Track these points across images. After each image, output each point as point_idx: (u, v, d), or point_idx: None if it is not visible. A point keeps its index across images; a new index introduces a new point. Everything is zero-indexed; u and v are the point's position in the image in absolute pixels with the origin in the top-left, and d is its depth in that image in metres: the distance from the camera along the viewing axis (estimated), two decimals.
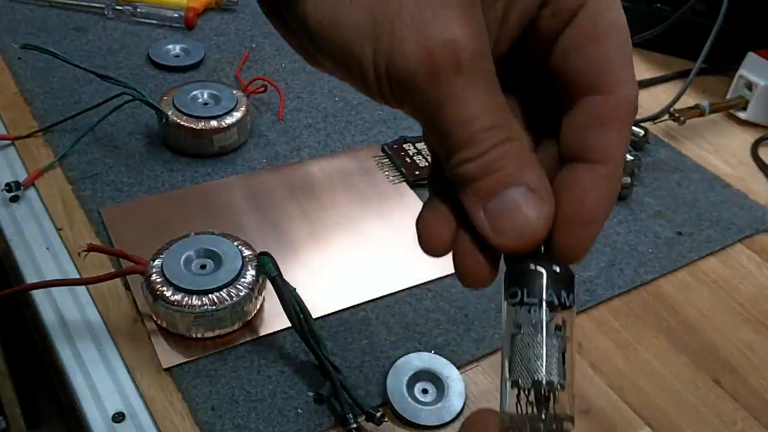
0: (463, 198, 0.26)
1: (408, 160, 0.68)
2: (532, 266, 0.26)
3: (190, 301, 0.50)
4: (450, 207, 0.27)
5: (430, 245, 0.27)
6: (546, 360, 0.25)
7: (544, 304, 0.25)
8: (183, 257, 0.52)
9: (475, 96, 0.24)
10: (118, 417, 0.47)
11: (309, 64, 0.30)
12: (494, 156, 0.24)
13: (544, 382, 0.25)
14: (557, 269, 0.26)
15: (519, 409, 0.25)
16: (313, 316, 0.51)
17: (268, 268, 0.51)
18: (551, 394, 0.25)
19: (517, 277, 0.26)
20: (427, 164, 0.68)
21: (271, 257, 0.52)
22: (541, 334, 0.25)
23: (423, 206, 0.28)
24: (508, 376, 0.26)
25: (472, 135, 0.25)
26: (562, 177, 0.26)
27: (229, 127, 0.66)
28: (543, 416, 0.25)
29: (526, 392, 0.25)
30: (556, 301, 0.25)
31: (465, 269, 0.27)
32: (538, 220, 0.25)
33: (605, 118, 0.26)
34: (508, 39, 0.26)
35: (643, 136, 0.73)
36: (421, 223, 0.28)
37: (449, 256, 0.28)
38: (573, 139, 0.26)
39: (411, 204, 0.65)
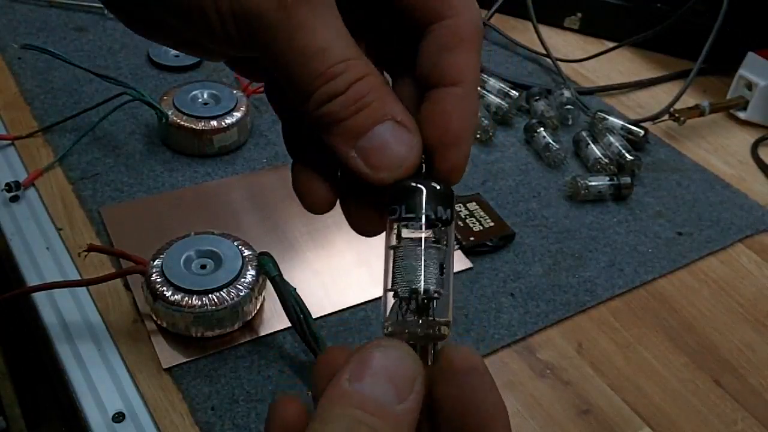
0: (331, 140, 0.25)
1: None
2: (412, 184, 0.27)
3: (190, 301, 0.49)
4: (317, 164, 0.28)
5: (315, 207, 0.29)
6: (424, 270, 0.26)
7: (423, 218, 0.27)
8: (183, 257, 0.52)
9: (324, 25, 0.23)
10: (118, 417, 0.47)
11: (132, 28, 0.29)
12: (358, 91, 0.24)
13: (421, 290, 0.26)
14: (436, 186, 0.27)
15: (399, 317, 0.26)
16: (313, 316, 0.51)
17: (268, 268, 0.51)
18: (429, 302, 0.26)
19: (398, 194, 0.27)
20: None
21: (271, 257, 0.52)
22: (419, 247, 0.26)
23: (293, 170, 0.29)
24: (389, 286, 0.27)
25: (329, 68, 0.24)
26: (425, 106, 0.27)
27: (229, 127, 0.66)
28: (421, 321, 0.26)
29: (406, 301, 0.26)
30: (434, 216, 0.27)
31: (353, 220, 0.29)
32: (411, 151, 0.26)
33: (453, 42, 0.26)
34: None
35: (643, 136, 0.73)
36: (299, 187, 0.29)
37: None
38: (427, 67, 0.27)
39: None
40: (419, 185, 0.27)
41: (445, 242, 0.27)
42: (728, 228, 0.66)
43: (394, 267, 0.27)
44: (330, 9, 0.24)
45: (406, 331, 0.26)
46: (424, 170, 0.27)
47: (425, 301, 0.26)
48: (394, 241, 0.27)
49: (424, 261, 0.26)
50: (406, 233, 0.27)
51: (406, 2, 0.26)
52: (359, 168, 0.25)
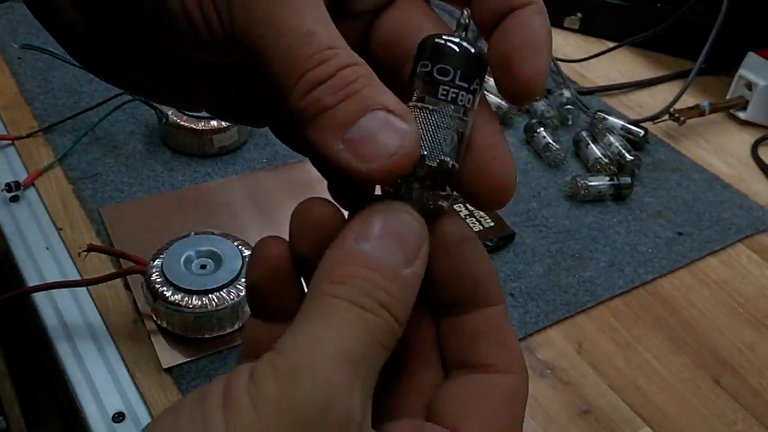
0: (316, 133, 0.22)
1: None
2: (449, 44, 0.24)
3: (190, 301, 0.49)
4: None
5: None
6: (443, 141, 0.24)
7: (458, 85, 0.24)
8: (183, 257, 0.52)
9: (312, 12, 0.22)
10: (118, 417, 0.47)
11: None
12: (346, 77, 0.22)
13: (448, 163, 0.24)
14: (474, 52, 0.24)
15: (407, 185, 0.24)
16: None
17: None
18: (447, 175, 0.25)
19: (433, 51, 0.24)
20: None
21: None
22: (451, 115, 0.24)
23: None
24: None
25: (318, 52, 0.21)
26: (498, 31, 0.25)
27: (229, 127, 0.66)
28: (431, 193, 0.25)
29: (421, 168, 0.24)
30: (467, 86, 0.24)
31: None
32: (406, 141, 0.22)
33: None
34: None
35: (643, 136, 0.73)
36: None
37: None
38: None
39: None
40: (456, 47, 0.24)
41: (469, 114, 0.24)
42: (728, 228, 0.66)
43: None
44: (331, 26, 0.22)
45: (414, 197, 0.24)
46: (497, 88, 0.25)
47: (445, 172, 0.24)
48: (418, 95, 0.23)
49: (446, 131, 0.23)
50: (431, 92, 0.23)
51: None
52: (348, 161, 0.22)
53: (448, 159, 0.24)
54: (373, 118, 0.22)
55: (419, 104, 0.23)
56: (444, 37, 0.24)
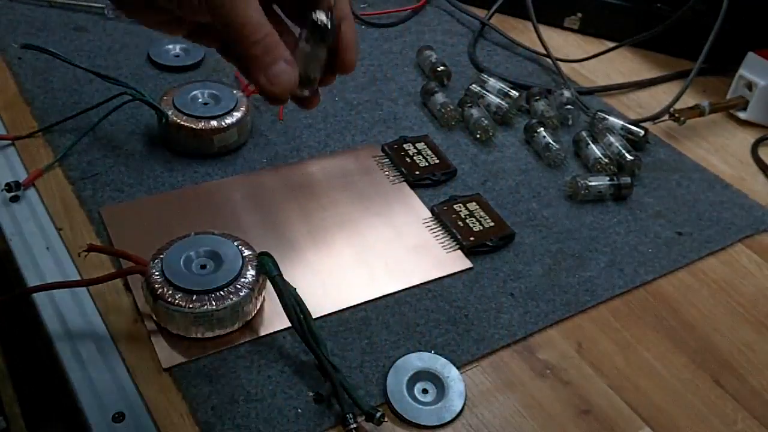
0: (253, 72, 0.42)
1: (408, 160, 0.68)
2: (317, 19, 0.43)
3: (190, 301, 0.50)
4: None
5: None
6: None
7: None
8: (183, 257, 0.52)
9: (251, 6, 0.40)
10: (118, 417, 0.47)
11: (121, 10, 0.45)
12: (269, 42, 0.41)
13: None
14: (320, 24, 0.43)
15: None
16: (313, 316, 0.51)
17: (268, 268, 0.51)
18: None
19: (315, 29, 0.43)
20: (427, 164, 0.68)
21: (271, 257, 0.52)
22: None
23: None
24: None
25: (254, 27, 0.41)
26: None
27: (229, 127, 0.66)
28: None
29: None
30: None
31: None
32: (293, 76, 0.42)
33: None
34: None
35: (643, 136, 0.73)
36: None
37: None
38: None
39: (411, 204, 0.65)
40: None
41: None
42: (728, 228, 0.66)
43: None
44: (254, 3, 0.40)
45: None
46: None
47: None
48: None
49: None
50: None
51: None
52: (265, 86, 0.42)
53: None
54: (281, 65, 0.41)
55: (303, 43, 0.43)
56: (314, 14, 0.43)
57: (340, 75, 0.46)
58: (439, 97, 0.75)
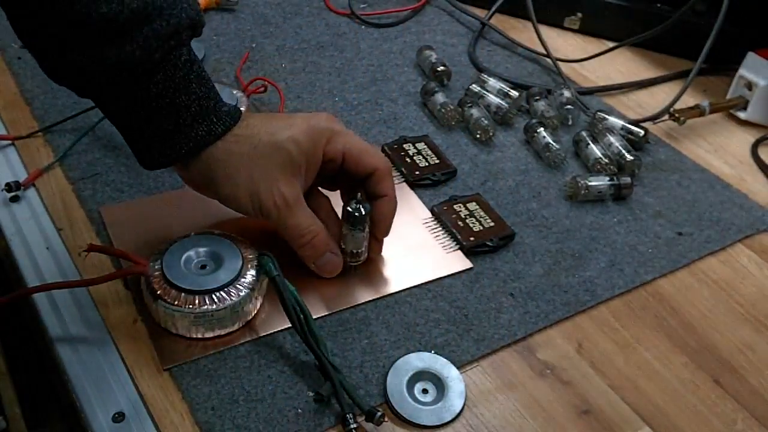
0: (305, 260, 0.55)
1: (408, 160, 0.68)
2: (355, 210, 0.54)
3: (190, 301, 0.50)
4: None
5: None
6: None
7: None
8: (183, 257, 0.52)
9: (299, 215, 0.53)
10: (118, 417, 0.47)
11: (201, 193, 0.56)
12: (315, 242, 0.54)
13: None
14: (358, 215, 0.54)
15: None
16: (313, 316, 0.51)
17: (268, 268, 0.51)
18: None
19: (350, 217, 0.54)
20: (427, 164, 0.68)
21: (271, 257, 0.52)
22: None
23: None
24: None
25: (302, 232, 0.53)
26: (376, 205, 0.56)
27: None
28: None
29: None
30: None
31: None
32: (339, 264, 0.56)
33: (383, 181, 0.56)
34: (310, 182, 0.55)
35: (643, 136, 0.73)
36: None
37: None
38: (372, 191, 0.56)
39: (411, 204, 0.65)
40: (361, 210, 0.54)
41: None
42: (728, 228, 0.66)
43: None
44: (302, 203, 0.53)
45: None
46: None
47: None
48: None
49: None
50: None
51: (354, 170, 0.55)
52: (316, 271, 0.56)
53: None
54: (328, 256, 0.55)
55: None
56: (350, 207, 0.54)
57: (375, 235, 0.57)
58: (439, 97, 0.75)
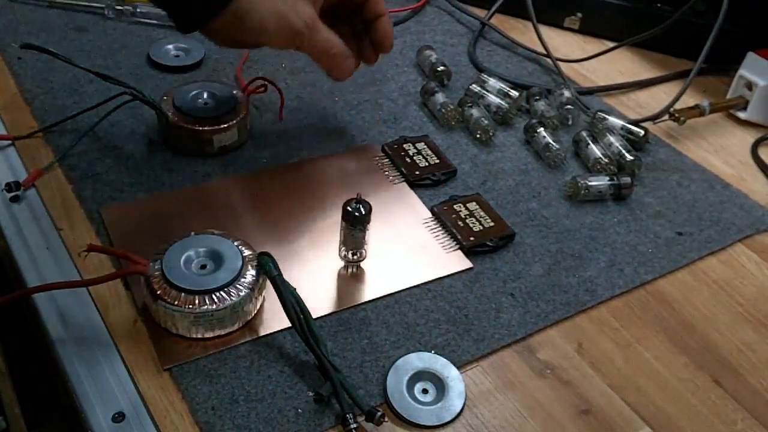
0: (331, 69, 0.63)
1: (408, 160, 0.68)
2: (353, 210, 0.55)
3: (190, 301, 0.50)
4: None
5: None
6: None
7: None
8: (183, 257, 0.52)
9: (324, 30, 0.60)
10: (118, 417, 0.47)
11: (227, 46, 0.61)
12: (337, 53, 0.62)
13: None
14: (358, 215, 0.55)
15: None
16: (313, 316, 0.51)
17: (268, 268, 0.51)
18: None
19: (350, 217, 0.55)
20: (427, 164, 0.68)
21: (271, 257, 0.52)
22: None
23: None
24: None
25: (332, 44, 0.61)
26: (374, 26, 0.65)
27: (229, 127, 0.66)
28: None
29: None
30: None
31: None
32: (353, 63, 0.64)
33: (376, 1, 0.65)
34: (318, 9, 0.61)
35: (643, 136, 0.73)
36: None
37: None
38: (370, 13, 0.65)
39: (411, 204, 0.65)
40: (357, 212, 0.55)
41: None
42: (728, 228, 0.66)
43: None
44: (322, 24, 0.60)
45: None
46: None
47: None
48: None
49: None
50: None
51: (363, 14, 0.65)
52: (338, 77, 0.64)
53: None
54: (345, 62, 0.63)
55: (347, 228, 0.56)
56: (350, 206, 0.55)
57: (381, 53, 0.67)
58: (439, 97, 0.75)
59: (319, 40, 0.60)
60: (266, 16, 0.57)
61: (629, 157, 0.70)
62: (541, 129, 0.72)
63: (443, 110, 0.74)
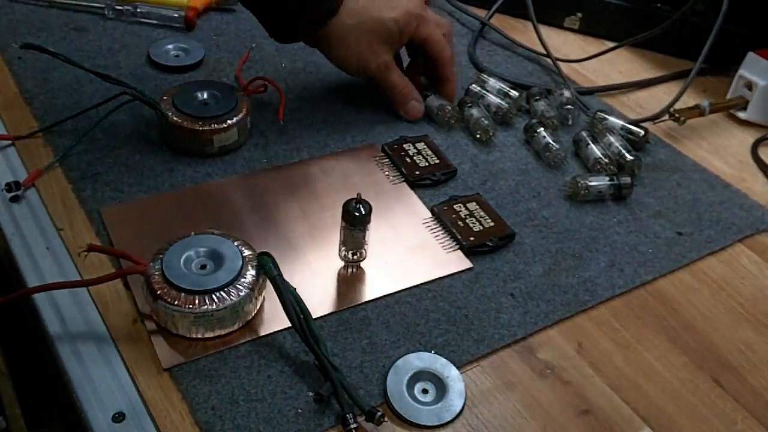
0: (398, 108, 0.74)
1: (408, 160, 0.68)
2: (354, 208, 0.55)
3: (190, 301, 0.50)
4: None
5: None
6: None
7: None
8: (183, 257, 0.52)
9: (395, 74, 0.73)
10: (118, 417, 0.47)
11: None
12: (405, 92, 0.73)
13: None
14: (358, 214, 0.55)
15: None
16: (313, 316, 0.51)
17: (268, 268, 0.51)
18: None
19: (350, 217, 0.55)
20: (427, 164, 0.68)
21: (271, 257, 0.52)
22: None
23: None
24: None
25: (395, 86, 0.73)
26: (441, 88, 0.76)
27: (229, 127, 0.66)
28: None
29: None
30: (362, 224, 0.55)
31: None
32: (421, 108, 0.75)
33: (445, 65, 0.75)
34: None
35: (643, 136, 0.73)
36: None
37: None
38: (437, 75, 0.76)
39: (411, 204, 0.65)
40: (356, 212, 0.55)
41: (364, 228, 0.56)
42: (728, 228, 0.66)
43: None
44: (396, 66, 0.73)
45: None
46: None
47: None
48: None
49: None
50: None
51: (430, 55, 0.75)
52: (405, 115, 0.74)
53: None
54: (411, 104, 0.74)
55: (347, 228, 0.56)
56: (350, 206, 0.55)
57: (445, 94, 0.76)
58: (434, 99, 0.75)
59: (388, 82, 0.72)
60: (347, 54, 0.70)
61: (629, 157, 0.70)
62: (541, 129, 0.72)
63: (440, 113, 0.74)
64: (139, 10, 0.85)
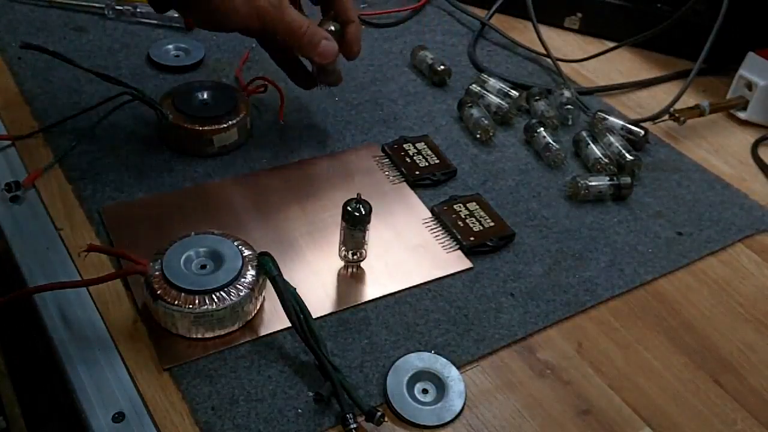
0: (307, 54, 0.63)
1: (408, 160, 0.68)
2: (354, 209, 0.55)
3: (190, 301, 0.50)
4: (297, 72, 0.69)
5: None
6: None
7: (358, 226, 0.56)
8: (183, 257, 0.52)
9: (291, 11, 0.60)
10: (118, 417, 0.47)
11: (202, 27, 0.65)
12: (312, 33, 0.61)
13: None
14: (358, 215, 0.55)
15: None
16: (313, 316, 0.51)
17: (268, 268, 0.51)
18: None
19: (350, 217, 0.55)
20: (427, 164, 0.68)
21: (271, 257, 0.52)
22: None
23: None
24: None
25: (300, 24, 0.60)
26: (345, 30, 0.65)
27: (229, 127, 0.66)
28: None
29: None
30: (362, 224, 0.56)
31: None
32: (334, 48, 0.63)
33: (346, 5, 0.65)
34: None
35: (643, 136, 0.73)
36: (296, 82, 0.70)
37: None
38: (341, 17, 0.65)
39: (411, 204, 0.65)
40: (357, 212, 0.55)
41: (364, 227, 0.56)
42: (728, 228, 0.66)
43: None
44: (291, 8, 0.61)
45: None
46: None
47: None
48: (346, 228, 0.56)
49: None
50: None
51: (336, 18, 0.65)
52: (317, 60, 0.63)
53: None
54: (324, 42, 0.61)
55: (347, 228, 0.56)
56: (350, 206, 0.55)
57: (349, 60, 0.67)
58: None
59: (287, 20, 0.60)
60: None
61: (629, 157, 0.70)
62: (541, 129, 0.72)
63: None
64: (139, 10, 0.84)
